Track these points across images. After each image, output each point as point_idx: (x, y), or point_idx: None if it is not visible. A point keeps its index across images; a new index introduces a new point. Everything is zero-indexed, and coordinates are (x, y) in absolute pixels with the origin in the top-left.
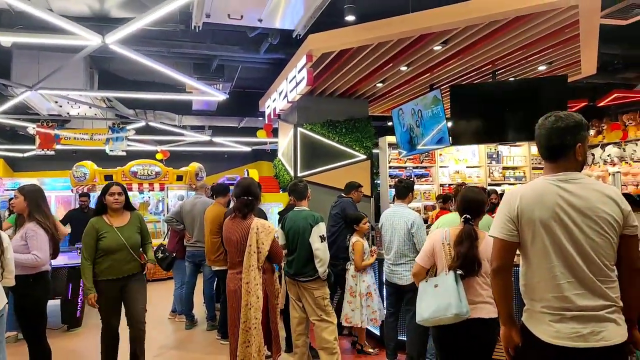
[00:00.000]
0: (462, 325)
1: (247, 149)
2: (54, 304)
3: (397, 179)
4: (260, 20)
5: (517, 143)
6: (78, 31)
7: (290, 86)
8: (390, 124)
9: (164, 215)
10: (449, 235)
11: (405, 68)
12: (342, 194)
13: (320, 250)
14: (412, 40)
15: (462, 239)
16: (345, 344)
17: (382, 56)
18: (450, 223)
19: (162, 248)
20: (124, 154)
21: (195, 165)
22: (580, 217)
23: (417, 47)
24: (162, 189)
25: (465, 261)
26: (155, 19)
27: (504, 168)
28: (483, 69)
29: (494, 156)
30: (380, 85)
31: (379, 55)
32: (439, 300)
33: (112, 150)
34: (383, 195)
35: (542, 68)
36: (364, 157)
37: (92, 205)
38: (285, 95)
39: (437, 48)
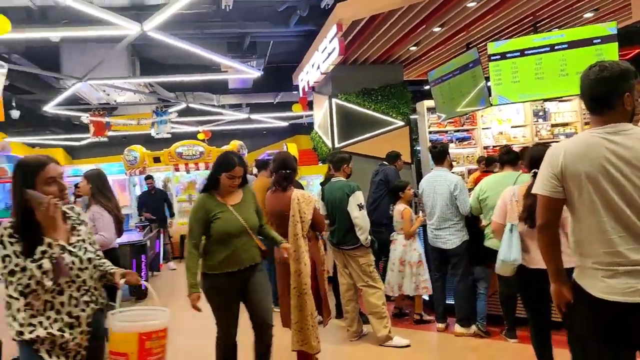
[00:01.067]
0: (533, 275)
1: (285, 123)
2: None
3: (430, 145)
4: None
5: (566, 97)
6: (119, 21)
7: (323, 57)
8: (427, 87)
9: None
10: (517, 192)
11: (439, 29)
12: (385, 162)
13: (359, 218)
14: None
15: (529, 193)
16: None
17: (414, 18)
18: (496, 184)
19: None
20: (169, 136)
21: (236, 143)
22: (629, 169)
23: (450, 5)
24: (207, 168)
25: (531, 213)
26: (188, 2)
27: (552, 125)
28: (523, 22)
29: (541, 114)
30: (414, 48)
31: (410, 17)
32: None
33: (157, 133)
34: (424, 161)
35: (588, 15)
36: (401, 123)
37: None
38: (318, 67)
39: (472, 4)
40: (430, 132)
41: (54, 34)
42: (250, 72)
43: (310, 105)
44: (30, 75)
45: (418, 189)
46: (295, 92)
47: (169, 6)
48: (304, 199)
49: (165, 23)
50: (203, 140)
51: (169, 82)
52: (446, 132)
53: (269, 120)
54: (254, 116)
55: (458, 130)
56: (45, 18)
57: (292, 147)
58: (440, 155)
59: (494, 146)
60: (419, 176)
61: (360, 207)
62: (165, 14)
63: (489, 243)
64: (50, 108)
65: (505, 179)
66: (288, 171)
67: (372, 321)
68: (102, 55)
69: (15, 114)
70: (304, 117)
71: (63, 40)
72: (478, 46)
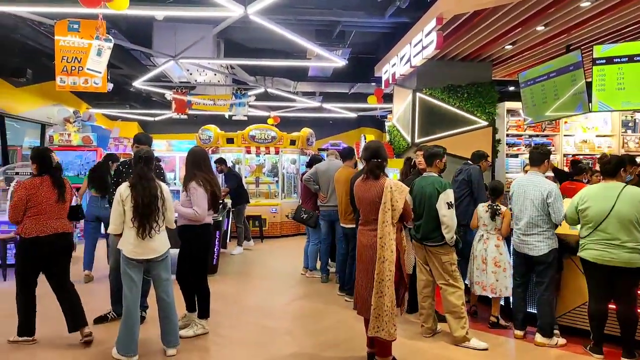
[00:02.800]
0: None
1: (353, 115)
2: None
3: (532, 146)
4: None
5: None
6: (226, 3)
7: (415, 50)
8: (512, 88)
9: (275, 178)
10: None
11: (542, 28)
12: (469, 161)
13: (447, 216)
14: None
15: None
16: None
17: (519, 16)
18: (598, 195)
19: (303, 209)
20: (245, 118)
21: (307, 131)
22: None
23: (562, 4)
24: (277, 153)
25: None
26: None
27: None
28: (633, 27)
29: (630, 124)
30: (509, 47)
31: (515, 15)
32: None
33: (234, 115)
34: (499, 164)
35: None
36: (485, 123)
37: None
38: (408, 60)
39: (585, 4)
40: (507, 135)
41: (160, 13)
42: (337, 60)
43: (386, 98)
44: (121, 50)
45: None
46: (373, 84)
47: None
48: (397, 188)
49: (266, 7)
50: (273, 125)
51: (250, 66)
52: (523, 135)
53: (339, 110)
54: (326, 105)
55: (537, 135)
56: None
57: (370, 138)
58: (540, 157)
59: (574, 154)
60: (493, 179)
61: (450, 205)
62: None
63: (584, 254)
64: (138, 83)
65: (608, 191)
66: (380, 160)
67: (450, 320)
68: (191, 35)
69: (109, 86)
70: (377, 109)
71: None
72: (582, 48)
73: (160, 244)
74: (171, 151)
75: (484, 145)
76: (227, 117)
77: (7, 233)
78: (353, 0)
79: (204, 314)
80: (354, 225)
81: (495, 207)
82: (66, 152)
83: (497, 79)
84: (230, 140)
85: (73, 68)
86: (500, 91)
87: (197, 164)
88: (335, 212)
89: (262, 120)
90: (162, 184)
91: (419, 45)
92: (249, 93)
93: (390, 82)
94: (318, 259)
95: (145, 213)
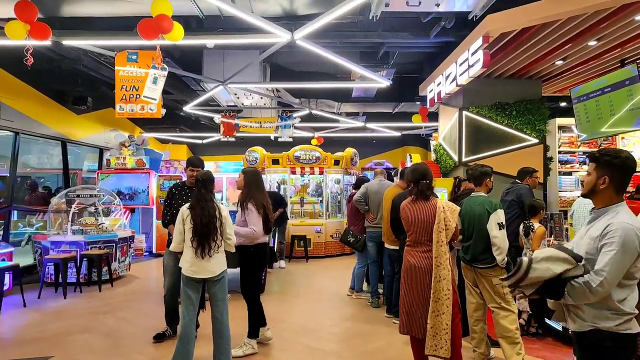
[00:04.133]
0: None
1: (397, 134)
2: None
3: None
4: (437, 5)
5: None
6: (274, 30)
7: (461, 69)
8: (563, 104)
9: (320, 197)
10: None
11: (595, 43)
12: (517, 180)
13: (499, 238)
14: (610, 12)
15: None
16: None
17: (569, 32)
18: None
19: (351, 231)
20: (291, 139)
21: (350, 151)
22: None
23: (614, 19)
24: (321, 173)
25: None
26: (342, 12)
27: None
28: None
29: None
30: (559, 63)
31: (565, 30)
32: None
33: (280, 137)
34: (552, 182)
35: None
36: (535, 141)
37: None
38: (454, 79)
39: None
40: (559, 152)
41: (211, 41)
42: (381, 81)
43: (431, 116)
44: (173, 77)
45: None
46: (418, 103)
47: (323, 17)
48: (449, 208)
49: (313, 32)
50: (316, 146)
51: (295, 89)
52: (576, 152)
53: (382, 129)
54: (369, 125)
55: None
56: (202, 26)
57: (416, 158)
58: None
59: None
60: (544, 197)
61: (501, 226)
62: (317, 24)
63: None
64: (188, 108)
65: None
66: (427, 181)
67: (504, 346)
68: (239, 61)
69: (162, 112)
70: (422, 127)
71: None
72: (638, 63)
73: (216, 265)
74: (219, 172)
75: (535, 163)
76: (272, 138)
77: (68, 252)
78: (397, 21)
79: (254, 333)
80: (397, 247)
81: (528, 224)
82: (121, 175)
83: (547, 95)
84: (275, 161)
85: (131, 96)
86: (551, 107)
87: (255, 184)
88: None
89: (307, 141)
90: (221, 206)
91: (465, 64)
92: (294, 115)
93: (436, 101)
94: (365, 280)
95: (204, 233)
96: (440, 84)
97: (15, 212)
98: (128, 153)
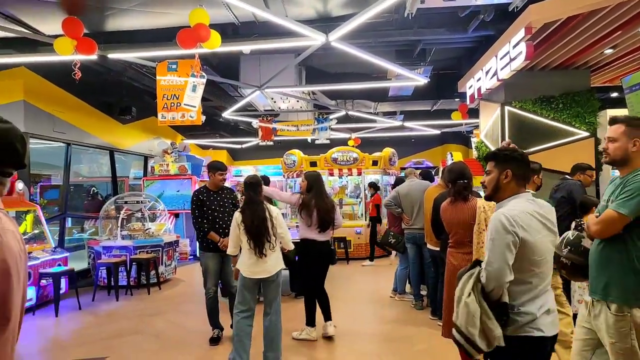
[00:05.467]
0: None
1: (436, 132)
2: (285, 273)
3: None
4: None
5: None
6: (308, 33)
7: (502, 63)
8: (615, 95)
9: (358, 199)
10: None
11: None
12: (567, 176)
13: None
14: None
15: None
16: None
17: (619, 18)
18: None
19: (391, 233)
20: (328, 141)
21: (389, 151)
22: None
23: None
24: (359, 174)
25: None
26: (376, 12)
27: None
28: None
29: None
30: (609, 51)
31: (615, 17)
32: None
33: (317, 139)
34: (604, 177)
35: None
36: (585, 134)
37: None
38: (495, 74)
39: None
40: None
41: (247, 47)
42: (418, 79)
43: (471, 113)
44: (211, 84)
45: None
46: (457, 100)
47: (357, 17)
48: (489, 207)
49: (347, 33)
50: (353, 147)
51: (331, 90)
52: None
53: (421, 128)
54: (407, 123)
55: None
56: (237, 33)
57: (457, 156)
58: None
59: None
60: (597, 194)
61: None
62: (352, 25)
63: None
64: (227, 114)
65: None
66: (466, 181)
67: (559, 350)
68: (275, 65)
69: (202, 118)
70: (463, 125)
71: (244, 53)
72: None
73: (273, 264)
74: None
75: (586, 158)
76: (309, 141)
77: (118, 257)
78: (434, 17)
79: (309, 322)
80: (438, 248)
81: (580, 222)
82: (165, 181)
83: (596, 85)
84: (313, 164)
85: (172, 104)
86: (601, 98)
87: (316, 186)
88: (421, 235)
89: (344, 142)
90: (271, 207)
91: (506, 58)
92: (330, 117)
93: (476, 97)
94: (408, 282)
95: (256, 234)
96: (480, 80)
97: (70, 219)
98: (170, 160)
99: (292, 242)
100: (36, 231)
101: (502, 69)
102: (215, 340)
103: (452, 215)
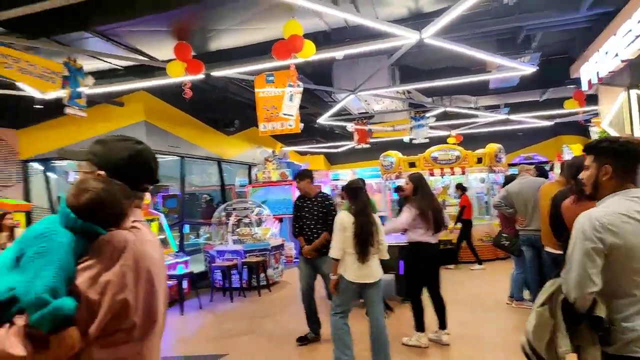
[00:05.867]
0: None
1: (548, 123)
2: (389, 278)
3: None
4: None
5: None
6: (401, 32)
7: (625, 41)
8: None
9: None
10: None
11: None
12: None
13: None
14: None
15: None
16: None
17: None
18: None
19: (504, 234)
20: (427, 140)
21: (494, 147)
22: None
23: None
24: (463, 173)
25: None
26: (472, 3)
27: None
28: None
29: None
30: None
31: None
32: None
33: (414, 139)
34: None
35: None
36: None
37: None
38: (616, 54)
39: None
40: None
41: (340, 52)
42: (524, 68)
43: (588, 100)
44: (306, 92)
45: None
46: (569, 87)
47: (451, 10)
48: None
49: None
50: (455, 144)
51: (426, 88)
52: None
53: (529, 120)
54: (513, 116)
55: None
56: (329, 40)
57: (576, 149)
58: None
59: None
60: None
61: None
62: (446, 20)
63: None
64: (322, 120)
65: None
66: None
67: None
68: (368, 68)
69: (300, 126)
70: (580, 113)
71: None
72: None
73: (377, 270)
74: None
75: None
76: (406, 141)
77: (230, 260)
78: (538, 0)
79: (418, 327)
80: (561, 252)
81: None
82: (268, 188)
83: None
84: (412, 164)
85: (271, 115)
86: None
87: (420, 188)
88: (537, 237)
89: (443, 140)
90: (374, 215)
91: (630, 35)
92: (428, 115)
93: (595, 81)
94: (526, 287)
95: (365, 239)
96: (598, 62)
97: (187, 225)
98: (272, 167)
99: (398, 245)
100: (161, 237)
101: (626, 47)
102: (301, 339)
103: (576, 215)
